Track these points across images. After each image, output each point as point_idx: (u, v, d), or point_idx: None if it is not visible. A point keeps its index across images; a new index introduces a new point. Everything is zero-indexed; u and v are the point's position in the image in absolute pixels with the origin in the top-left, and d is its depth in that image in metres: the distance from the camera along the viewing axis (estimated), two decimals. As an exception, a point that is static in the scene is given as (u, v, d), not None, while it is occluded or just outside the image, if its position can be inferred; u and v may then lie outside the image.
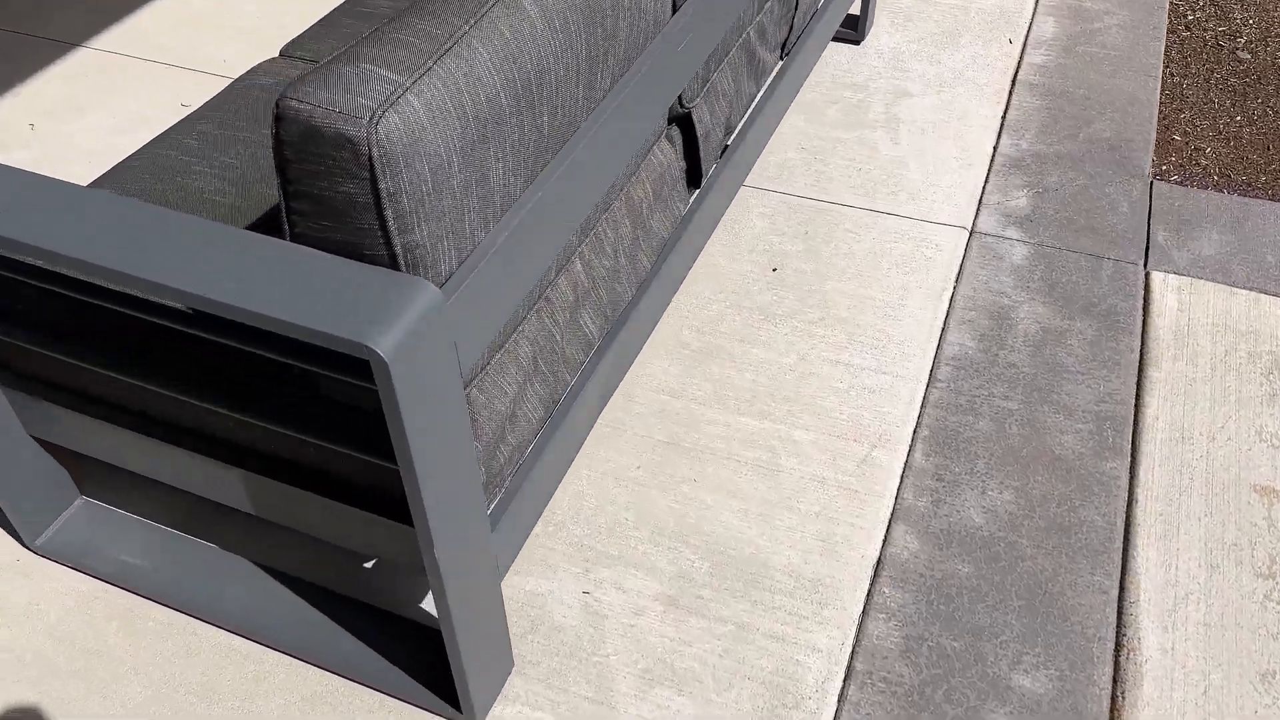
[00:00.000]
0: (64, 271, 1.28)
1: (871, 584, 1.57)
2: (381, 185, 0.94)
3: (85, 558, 1.59)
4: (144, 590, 1.56)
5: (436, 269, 1.04)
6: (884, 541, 1.63)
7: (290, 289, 0.98)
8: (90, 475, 1.74)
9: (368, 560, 1.62)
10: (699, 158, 1.70)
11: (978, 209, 2.25)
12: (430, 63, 0.97)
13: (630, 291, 1.54)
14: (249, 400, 1.26)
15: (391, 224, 0.97)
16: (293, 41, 1.90)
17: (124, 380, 1.36)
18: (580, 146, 1.21)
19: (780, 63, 2.14)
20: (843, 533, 1.64)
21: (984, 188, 2.31)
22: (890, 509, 1.67)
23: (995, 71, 2.68)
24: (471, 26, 1.02)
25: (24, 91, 2.68)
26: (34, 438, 1.55)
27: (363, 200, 0.95)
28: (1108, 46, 2.78)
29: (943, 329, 1.98)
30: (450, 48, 0.99)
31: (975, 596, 1.56)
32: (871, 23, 2.81)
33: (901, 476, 1.72)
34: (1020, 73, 2.68)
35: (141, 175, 1.54)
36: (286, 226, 1.03)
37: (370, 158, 0.92)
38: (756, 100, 1.99)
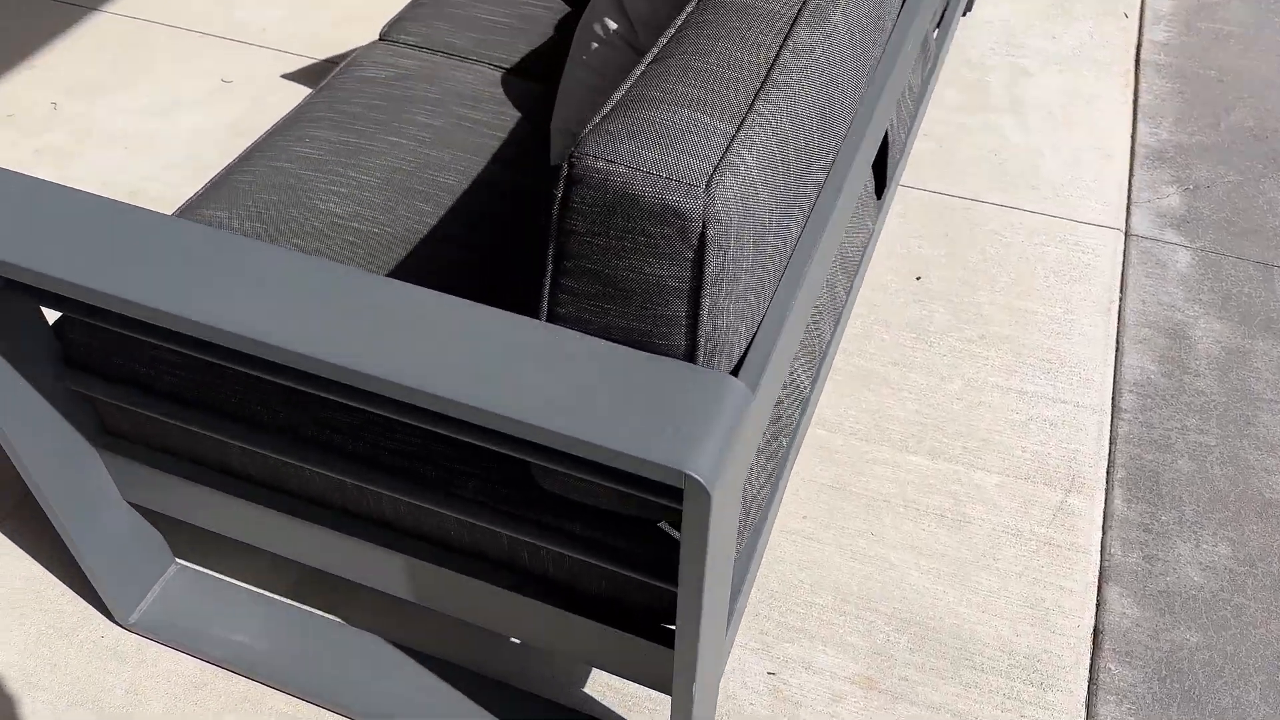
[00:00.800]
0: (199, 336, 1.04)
1: (1093, 659, 1.39)
2: (708, 267, 0.71)
3: (188, 637, 1.37)
4: (262, 675, 1.34)
5: (729, 355, 0.82)
6: (1098, 607, 1.45)
7: (569, 391, 0.75)
8: (182, 536, 1.50)
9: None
10: (886, 165, 1.48)
11: (1128, 208, 2.05)
12: (755, 101, 0.74)
13: (830, 329, 1.33)
14: (421, 480, 1.04)
15: (705, 311, 0.75)
16: (394, 23, 1.64)
17: (261, 453, 1.13)
18: (847, 179, 0.99)
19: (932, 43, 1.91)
20: (1052, 598, 1.45)
21: (1130, 183, 2.11)
22: (1098, 567, 1.49)
23: (1116, 49, 2.46)
24: (786, 49, 0.79)
25: (39, 64, 2.37)
26: (130, 504, 1.31)
27: (676, 284, 0.73)
28: (1231, 22, 2.57)
29: (1117, 349, 1.79)
30: (771, 79, 0.76)
31: (1211, 672, 1.38)
32: (977, -8, 2.58)
33: (1104, 528, 1.54)
34: (1143, 51, 2.46)
35: (259, 195, 1.29)
36: (545, 305, 0.81)
37: (703, 235, 0.69)
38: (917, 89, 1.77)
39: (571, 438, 0.73)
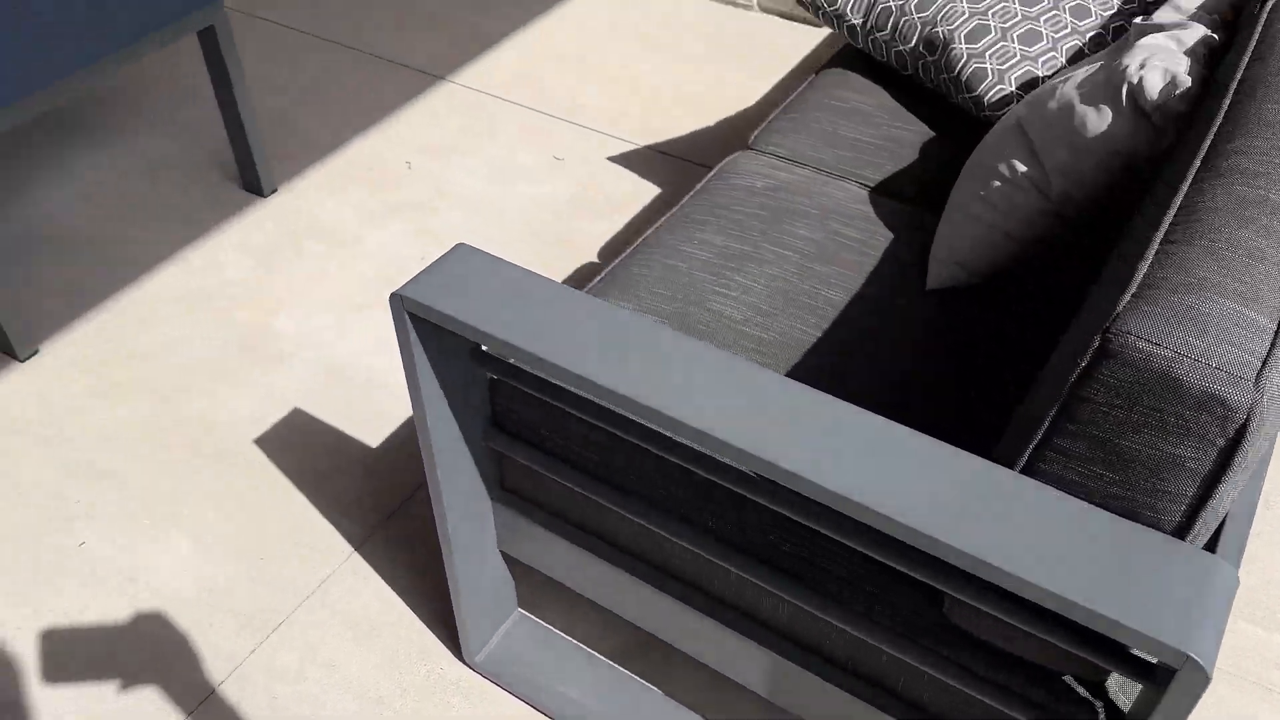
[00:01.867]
0: (614, 408, 1.14)
1: None
2: (1237, 456, 0.74)
3: (524, 684, 1.47)
4: (588, 734, 1.42)
5: (1201, 534, 0.83)
6: None
7: (1053, 547, 0.79)
8: (524, 585, 1.62)
9: (828, 738, 1.43)
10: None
11: None
12: (1290, 298, 0.77)
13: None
14: (815, 586, 1.09)
15: (1216, 495, 0.77)
16: (761, 134, 1.75)
17: (653, 532, 1.21)
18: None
19: None
20: None
21: None
22: None
23: None
24: (1310, 245, 0.81)
25: (394, 125, 2.65)
26: (501, 551, 1.43)
27: (1194, 466, 0.76)
28: None
29: None
30: (1301, 276, 0.78)
31: None
32: None
33: None
34: None
35: (656, 289, 1.40)
36: (1026, 458, 0.85)
37: (1243, 426, 0.72)
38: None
39: (1063, 599, 0.77)
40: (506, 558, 1.48)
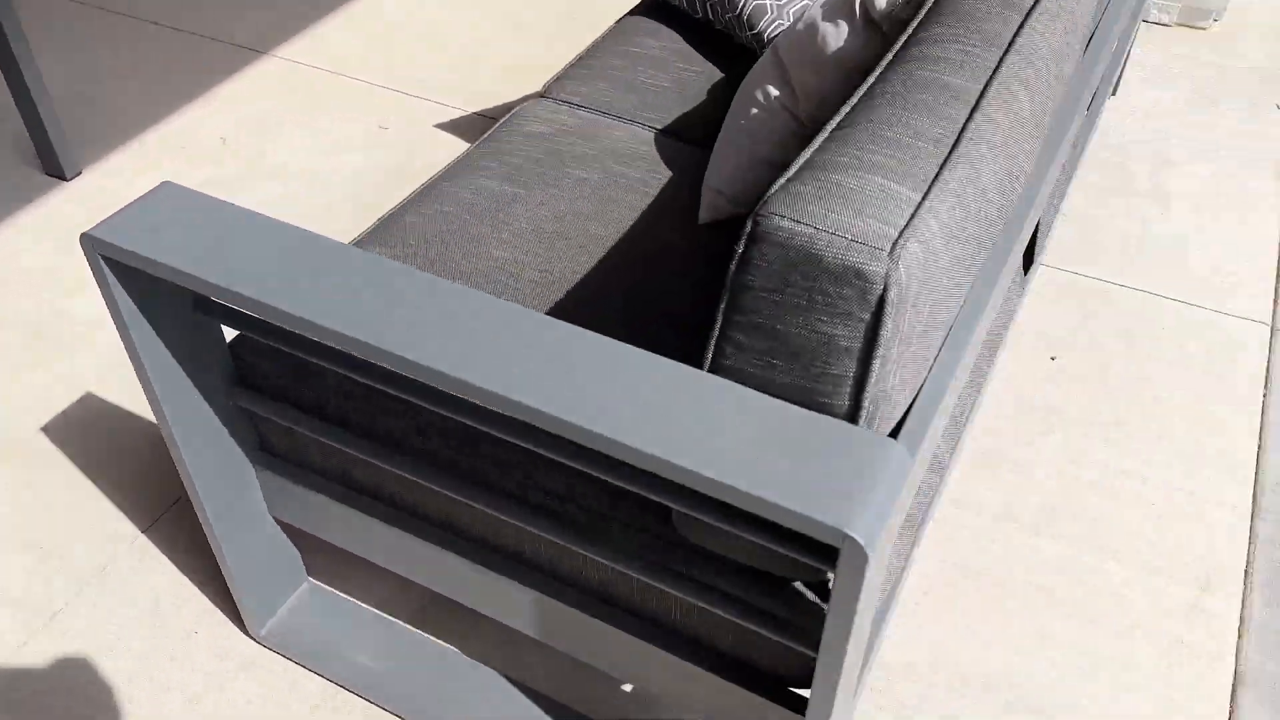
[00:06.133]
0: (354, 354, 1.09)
1: (1230, 770, 1.33)
2: (883, 330, 0.73)
3: (313, 655, 1.42)
4: (380, 699, 1.37)
5: (889, 419, 0.83)
6: (1231, 714, 1.38)
7: (729, 442, 0.77)
8: (315, 555, 1.56)
9: (627, 684, 1.42)
10: (1037, 236, 1.47)
11: (1276, 301, 1.99)
12: (941, 170, 0.76)
13: (969, 403, 1.32)
14: (565, 520, 1.07)
15: (873, 373, 0.76)
16: (555, 81, 1.72)
17: (411, 480, 1.17)
18: (1011, 252, 1.00)
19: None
20: (1183, 699, 1.39)
21: (1279, 278, 2.04)
22: (1233, 671, 1.42)
23: (1268, 141, 2.40)
24: (972, 122, 0.80)
25: (213, 100, 2.55)
26: (276, 520, 1.38)
27: (847, 344, 0.74)
28: (1393, 119, 2.48)
29: (1260, 446, 1.72)
30: (957, 151, 0.78)
31: (1361, 799, 1.30)
32: (1122, 75, 2.56)
33: (1240, 631, 1.47)
34: (1296, 144, 2.40)
35: (426, 234, 1.35)
36: (710, 356, 0.83)
37: (882, 298, 0.71)
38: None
39: (730, 488, 0.75)
40: (286, 526, 1.43)
